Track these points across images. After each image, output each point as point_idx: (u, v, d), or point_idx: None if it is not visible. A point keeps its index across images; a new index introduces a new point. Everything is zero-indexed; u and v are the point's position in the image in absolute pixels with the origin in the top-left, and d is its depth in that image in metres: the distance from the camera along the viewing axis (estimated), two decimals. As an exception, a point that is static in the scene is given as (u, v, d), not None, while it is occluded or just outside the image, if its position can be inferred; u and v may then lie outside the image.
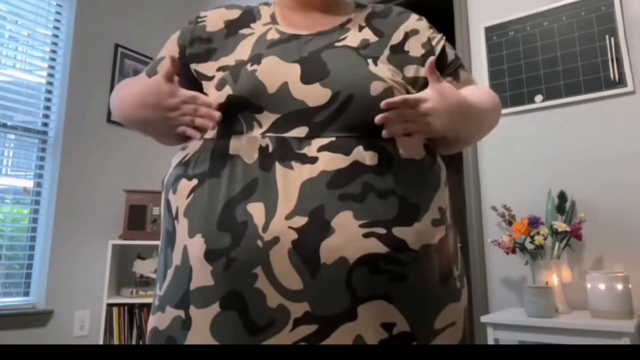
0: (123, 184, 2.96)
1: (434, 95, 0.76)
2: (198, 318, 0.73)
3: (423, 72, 0.88)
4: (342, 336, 0.70)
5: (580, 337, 1.49)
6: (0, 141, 2.54)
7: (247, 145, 0.78)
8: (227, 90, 0.82)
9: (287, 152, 0.76)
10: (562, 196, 1.87)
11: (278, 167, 0.75)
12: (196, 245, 0.75)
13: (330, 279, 0.70)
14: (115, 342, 2.55)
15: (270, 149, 0.77)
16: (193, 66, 0.91)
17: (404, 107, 0.75)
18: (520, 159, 2.07)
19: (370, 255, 0.72)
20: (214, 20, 0.94)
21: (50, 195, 2.66)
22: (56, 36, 2.83)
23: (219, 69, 0.88)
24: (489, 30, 2.22)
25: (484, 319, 1.69)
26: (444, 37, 0.94)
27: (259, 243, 0.71)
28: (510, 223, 1.92)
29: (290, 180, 0.74)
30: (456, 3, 2.34)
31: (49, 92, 2.76)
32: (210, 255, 0.73)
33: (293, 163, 0.75)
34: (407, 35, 0.91)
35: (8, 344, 2.26)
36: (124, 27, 3.11)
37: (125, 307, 2.63)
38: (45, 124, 2.72)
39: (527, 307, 1.63)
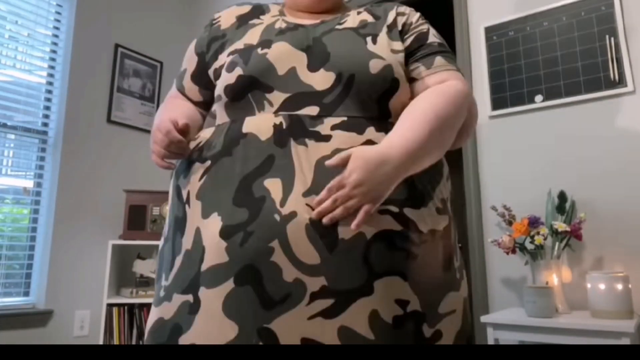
0: (123, 184, 2.96)
1: (353, 165, 0.73)
2: (208, 298, 0.73)
3: (396, 45, 0.88)
4: (358, 310, 0.71)
5: (580, 337, 1.49)
6: (0, 141, 2.54)
7: (260, 123, 0.80)
8: (238, 71, 0.84)
9: (301, 129, 0.78)
10: (562, 196, 1.87)
11: (293, 144, 0.77)
12: (212, 224, 0.76)
13: (348, 254, 0.71)
14: (115, 342, 2.55)
15: (284, 125, 0.78)
16: (210, 71, 0.95)
17: (332, 193, 0.73)
18: (520, 159, 2.07)
19: (387, 231, 0.73)
20: (227, 18, 0.97)
21: (50, 195, 2.66)
22: (56, 36, 2.83)
23: (229, 54, 0.90)
24: (489, 30, 2.22)
25: (484, 319, 1.69)
26: (432, 30, 0.94)
27: (277, 217, 0.72)
28: (510, 223, 1.92)
29: (305, 158, 0.76)
30: (456, 3, 2.34)
31: (49, 92, 2.76)
32: (226, 231, 0.74)
33: (307, 140, 0.77)
34: (397, 16, 0.94)
35: (8, 344, 2.26)
36: (124, 27, 3.11)
37: (125, 307, 2.63)
38: (45, 124, 2.72)
39: (527, 307, 1.63)
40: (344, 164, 0.74)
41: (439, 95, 0.82)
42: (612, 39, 1.90)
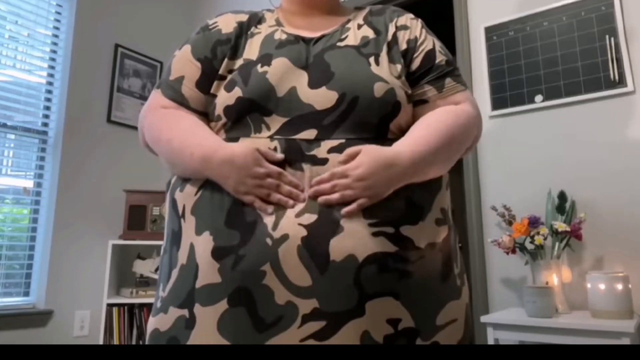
0: (123, 184, 2.96)
1: (361, 160, 0.75)
2: (203, 316, 0.73)
3: (397, 68, 0.88)
4: (349, 332, 0.71)
5: (580, 337, 1.49)
6: (0, 141, 2.54)
7: None
8: (237, 92, 0.82)
9: (297, 154, 0.77)
10: (562, 196, 1.87)
11: (288, 170, 0.76)
12: (204, 243, 0.75)
13: (339, 276, 0.71)
14: (115, 342, 2.55)
15: (279, 151, 0.78)
16: (217, 80, 0.89)
17: (334, 178, 0.75)
18: (520, 159, 2.07)
19: (380, 253, 0.73)
20: (226, 23, 0.94)
21: (50, 195, 2.66)
22: (56, 36, 2.83)
23: (230, 71, 0.88)
24: (489, 30, 2.22)
25: (484, 319, 1.69)
26: (437, 42, 0.93)
27: (269, 241, 0.72)
28: (510, 223, 1.92)
29: (300, 180, 0.76)
30: (456, 3, 2.34)
31: (49, 92, 2.76)
32: (218, 253, 0.74)
33: (303, 165, 0.77)
34: (397, 31, 0.91)
35: (8, 344, 2.25)
36: (124, 27, 3.11)
37: (125, 307, 2.63)
38: (45, 124, 2.72)
39: (527, 307, 1.63)
40: (352, 159, 0.76)
41: (452, 115, 0.85)
42: (612, 39, 1.90)
